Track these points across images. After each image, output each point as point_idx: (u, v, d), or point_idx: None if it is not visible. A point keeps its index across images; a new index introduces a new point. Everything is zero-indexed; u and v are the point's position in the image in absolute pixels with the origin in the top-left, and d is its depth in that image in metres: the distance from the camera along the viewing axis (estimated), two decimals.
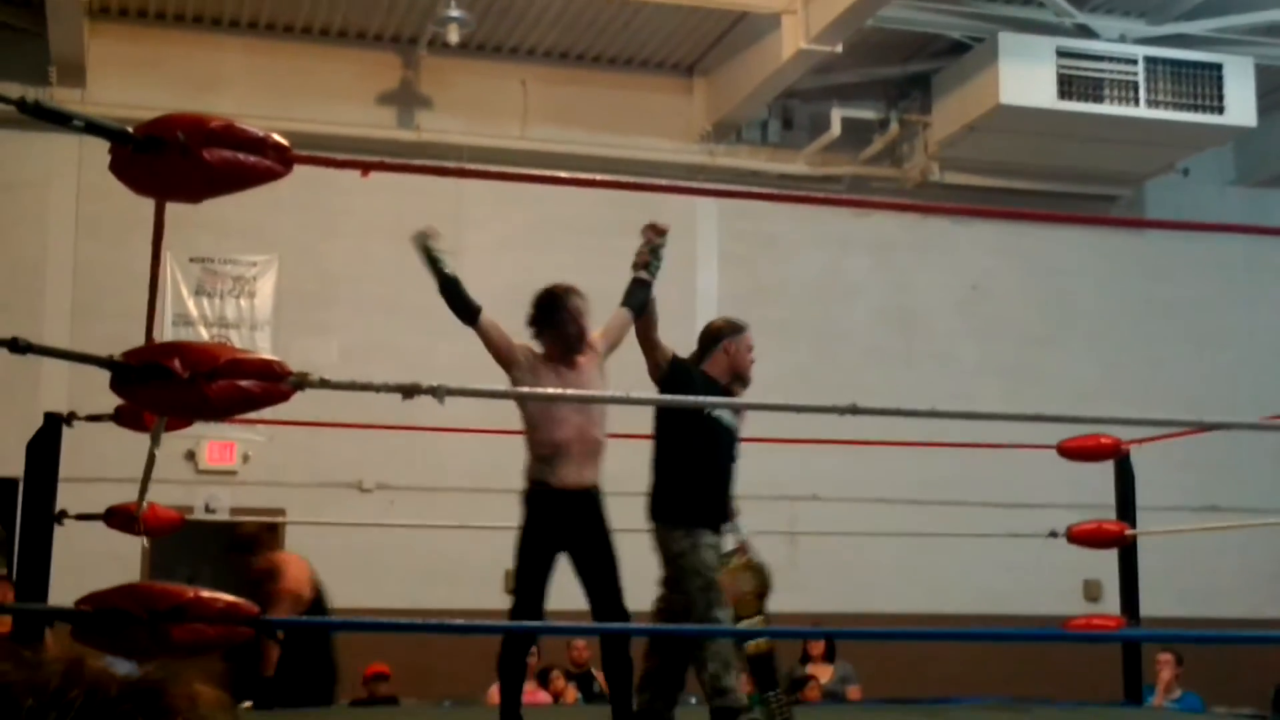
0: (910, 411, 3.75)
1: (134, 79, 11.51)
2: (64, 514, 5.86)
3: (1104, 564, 8.73)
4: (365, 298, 11.86)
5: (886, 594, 11.93)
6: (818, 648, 11.05)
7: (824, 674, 10.81)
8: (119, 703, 0.70)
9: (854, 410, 3.20)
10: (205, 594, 2.46)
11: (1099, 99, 11.67)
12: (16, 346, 2.39)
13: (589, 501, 5.60)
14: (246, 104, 11.10)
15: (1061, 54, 11.64)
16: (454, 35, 11.32)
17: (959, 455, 11.19)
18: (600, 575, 5.56)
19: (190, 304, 11.52)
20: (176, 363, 2.49)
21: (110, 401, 4.46)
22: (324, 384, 2.74)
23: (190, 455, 11.44)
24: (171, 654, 2.44)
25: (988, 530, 10.00)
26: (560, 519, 5.54)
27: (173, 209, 3.59)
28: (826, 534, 10.97)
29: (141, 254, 10.80)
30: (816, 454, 10.88)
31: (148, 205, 3.10)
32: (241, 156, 2.53)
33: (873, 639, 11.84)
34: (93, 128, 2.47)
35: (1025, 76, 11.59)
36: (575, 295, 5.77)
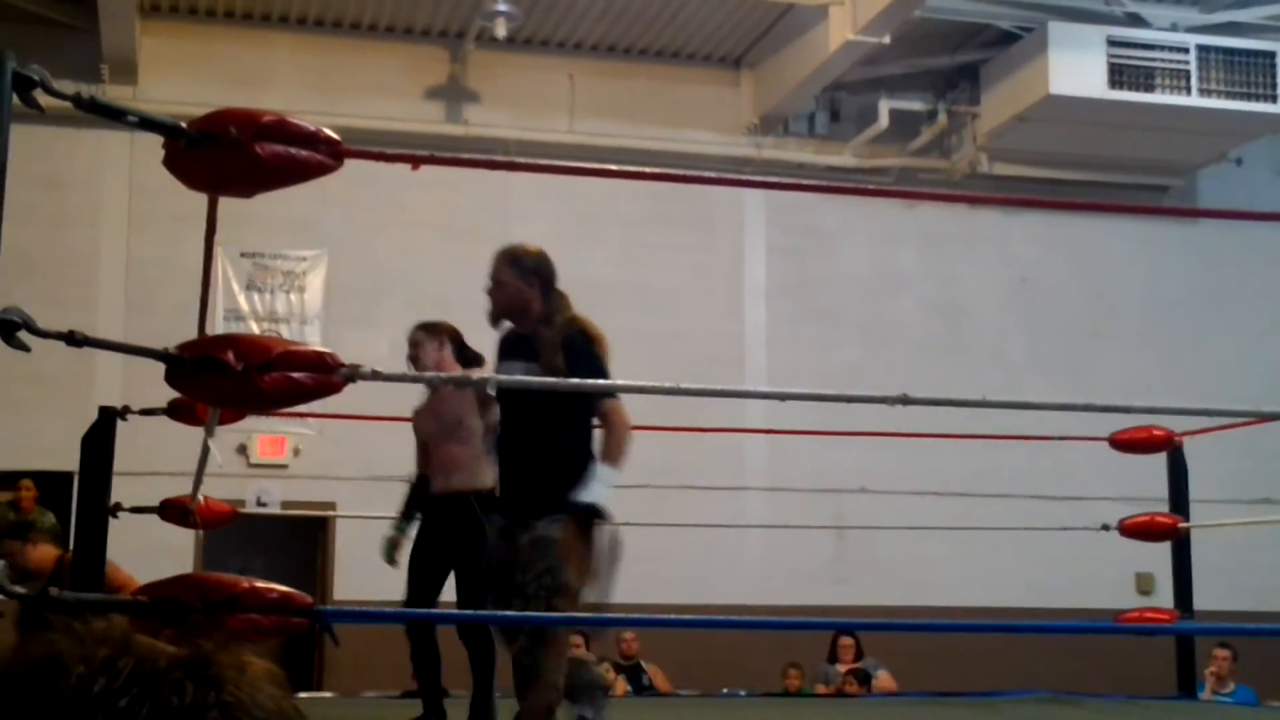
0: (961, 401, 3.73)
1: (184, 75, 11.60)
2: (119, 507, 5.92)
3: (1156, 557, 8.68)
4: (414, 292, 11.90)
5: (935, 588, 11.89)
6: (849, 650, 10.95)
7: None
8: (168, 671, 0.71)
9: (904, 401, 3.19)
10: (259, 585, 2.48)
11: (1150, 88, 11.59)
12: (73, 340, 2.42)
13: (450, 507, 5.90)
14: (295, 99, 11.16)
15: (1112, 43, 11.55)
16: (501, 29, 11.34)
17: (1009, 448, 11.11)
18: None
19: (241, 299, 11.60)
20: (230, 355, 2.51)
21: (164, 395, 4.51)
22: (375, 376, 2.76)
23: (242, 449, 11.52)
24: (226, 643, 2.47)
25: (1038, 523, 9.95)
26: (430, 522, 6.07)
27: (224, 204, 3.63)
28: (875, 528, 10.93)
29: (192, 250, 10.88)
30: (864, 447, 10.86)
31: (199, 201, 3.13)
32: (293, 151, 2.55)
33: (921, 631, 11.80)
34: (147, 123, 2.49)
35: (1075, 66, 11.51)
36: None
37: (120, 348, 2.72)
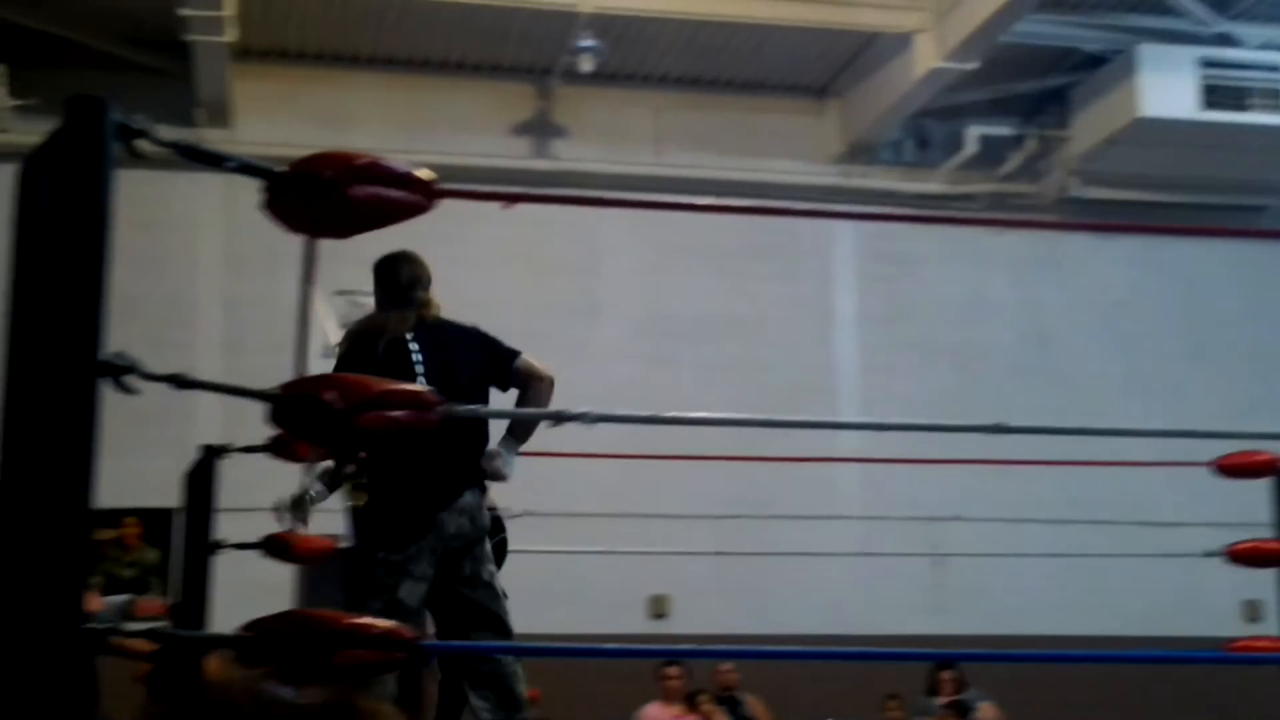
0: (1059, 430, 3.70)
1: (276, 117, 11.78)
2: (221, 543, 5.99)
3: (1262, 584, 8.51)
4: (501, 326, 11.87)
5: (1034, 616, 11.73)
6: (949, 682, 10.77)
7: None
8: (320, 715, 0.73)
9: (1002, 429, 3.17)
10: (363, 620, 2.51)
11: (1244, 108, 11.44)
12: (180, 382, 2.47)
13: None
14: (384, 138, 11.30)
15: (1204, 63, 11.43)
16: (587, 65, 11.43)
17: (1106, 473, 10.99)
18: None
19: (335, 336, 11.72)
20: (331, 395, 2.54)
21: (263, 431, 4.57)
22: (472, 414, 2.79)
23: None
24: (331, 679, 2.50)
25: (1138, 550, 9.81)
26: None
27: (318, 243, 3.69)
28: (971, 555, 10.83)
29: (287, 289, 11.00)
30: (959, 474, 10.77)
31: (293, 241, 3.18)
32: (387, 193, 2.59)
33: (1021, 661, 11.65)
34: (245, 168, 2.54)
35: (1165, 87, 11.39)
36: None
37: (223, 389, 2.77)
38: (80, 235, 2.15)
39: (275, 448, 5.24)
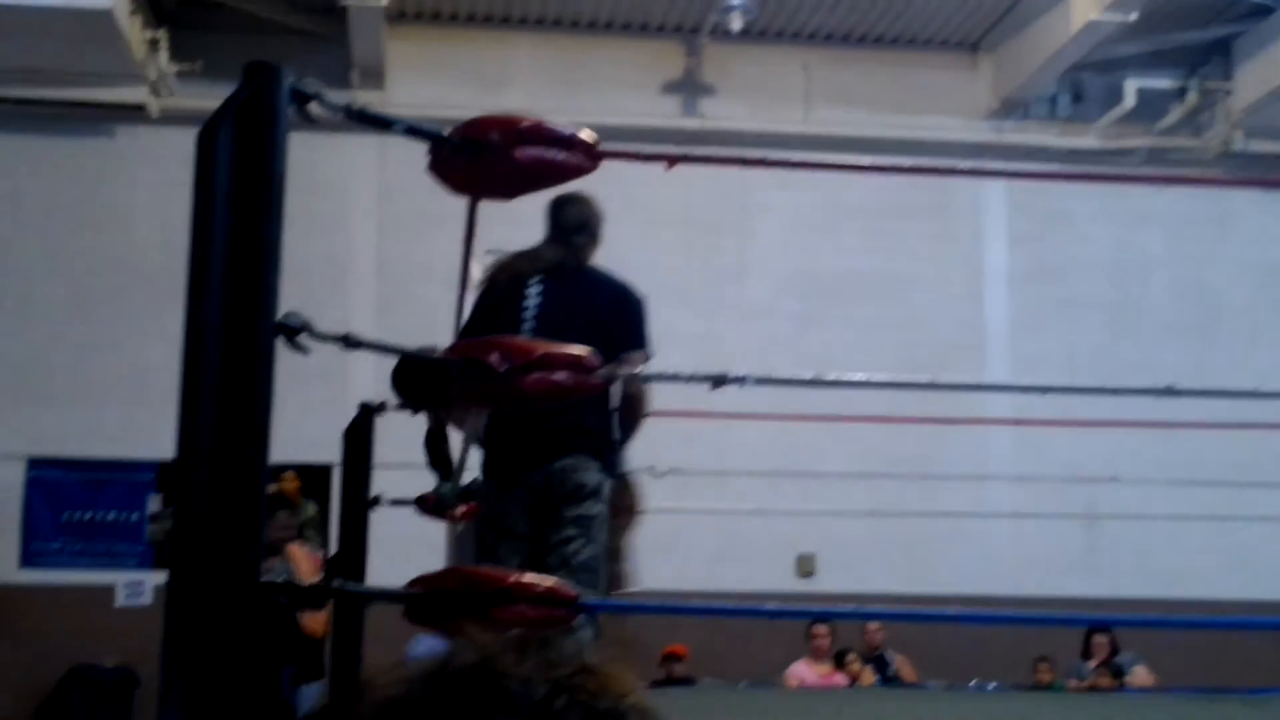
0: (1229, 392, 3.60)
1: (429, 79, 11.91)
2: (378, 499, 6.11)
3: None
4: (654, 285, 11.90)
5: (1194, 580, 11.50)
6: (1103, 646, 10.60)
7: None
8: (578, 676, 0.73)
9: (1172, 392, 3.10)
10: (527, 578, 2.54)
11: None
12: (350, 342, 2.52)
13: None
14: (535, 98, 11.37)
15: None
16: (736, 22, 11.38)
17: (1269, 436, 10.71)
18: None
19: None
20: (494, 357, 2.58)
21: None
22: (633, 377, 2.80)
23: None
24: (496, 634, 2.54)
25: None
26: None
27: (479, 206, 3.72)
28: (1128, 517, 10.65)
29: (439, 249, 11.14)
30: (1116, 435, 10.58)
31: (444, 202, 3.19)
32: (551, 154, 2.61)
33: (1179, 628, 11.44)
34: (412, 131, 2.57)
35: None
36: None
37: (390, 349, 2.82)
38: (257, 199, 2.20)
39: (431, 406, 5.32)
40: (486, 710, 0.69)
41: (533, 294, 4.83)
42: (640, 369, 4.71)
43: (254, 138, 2.19)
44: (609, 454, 4.77)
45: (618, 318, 4.88)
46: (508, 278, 4.85)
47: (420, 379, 5.41)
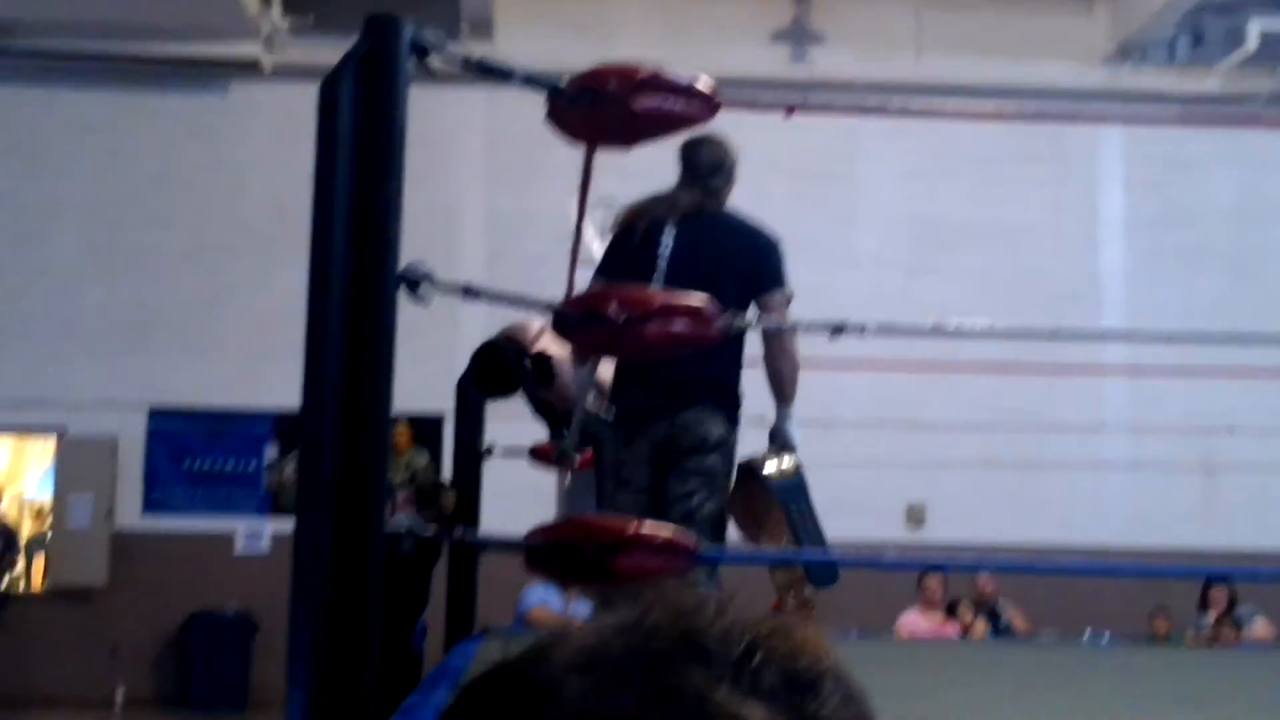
0: None
1: (538, 30, 11.91)
2: (491, 450, 6.18)
3: None
4: None
5: None
6: (1221, 598, 10.39)
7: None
8: (775, 636, 0.73)
9: None
10: (646, 527, 2.56)
11: None
12: (469, 292, 2.54)
13: None
14: (643, 47, 11.31)
15: None
16: None
17: None
18: None
19: (596, 247, 11.87)
20: (613, 307, 2.58)
21: None
22: (748, 327, 2.79)
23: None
24: (615, 584, 2.56)
25: None
26: None
27: (574, 151, 3.71)
28: (1246, 468, 10.47)
29: (548, 200, 11.16)
30: (1234, 385, 10.39)
31: (552, 154, 3.21)
32: (669, 104, 2.60)
33: None
34: (530, 81, 2.58)
35: None
36: None
37: (508, 299, 2.83)
38: (380, 152, 2.22)
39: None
40: (684, 663, 0.69)
41: (667, 240, 4.74)
42: (785, 310, 4.66)
43: (376, 90, 2.21)
44: (735, 406, 4.71)
45: (754, 261, 4.77)
46: (645, 224, 4.76)
47: (501, 372, 5.48)
